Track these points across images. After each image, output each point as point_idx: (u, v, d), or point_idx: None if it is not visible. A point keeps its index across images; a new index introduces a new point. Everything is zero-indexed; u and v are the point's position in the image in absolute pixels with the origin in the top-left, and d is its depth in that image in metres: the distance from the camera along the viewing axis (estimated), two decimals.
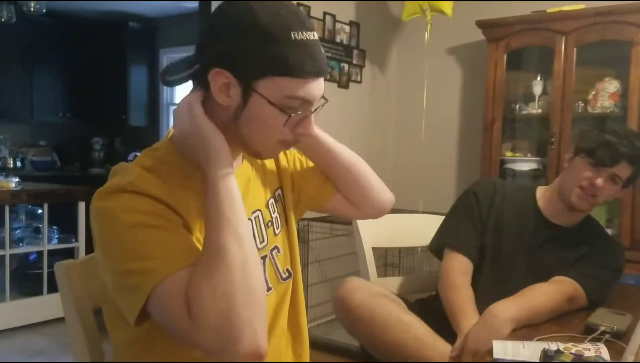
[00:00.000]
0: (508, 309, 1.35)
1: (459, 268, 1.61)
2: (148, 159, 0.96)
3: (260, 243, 1.05)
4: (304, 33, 0.89)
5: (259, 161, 1.12)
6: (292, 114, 0.92)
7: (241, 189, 0.99)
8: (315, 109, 0.96)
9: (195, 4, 4.52)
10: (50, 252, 3.54)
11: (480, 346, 1.28)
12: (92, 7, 5.26)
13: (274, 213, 1.11)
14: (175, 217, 0.89)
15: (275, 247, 1.09)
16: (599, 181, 1.51)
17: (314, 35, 0.92)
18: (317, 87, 0.93)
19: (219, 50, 0.91)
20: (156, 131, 5.78)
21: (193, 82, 0.98)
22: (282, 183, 1.17)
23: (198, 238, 0.92)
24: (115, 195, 0.87)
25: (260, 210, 1.07)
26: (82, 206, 3.63)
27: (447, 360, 1.35)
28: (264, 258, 1.06)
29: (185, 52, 5.63)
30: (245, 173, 1.07)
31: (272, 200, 1.12)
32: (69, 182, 4.35)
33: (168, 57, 5.76)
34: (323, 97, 0.97)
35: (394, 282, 2.01)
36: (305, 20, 0.92)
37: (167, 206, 0.88)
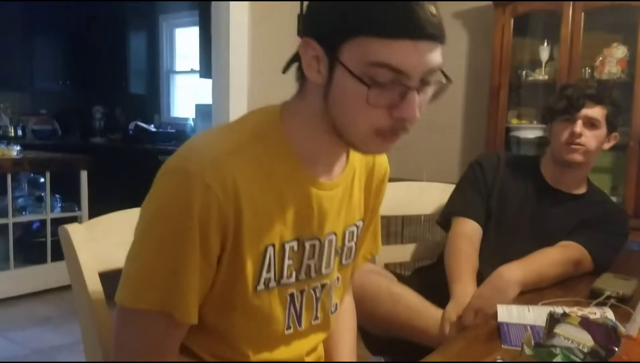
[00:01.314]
0: (516, 272, 1.36)
1: (464, 232, 1.62)
2: (234, 137, 0.85)
3: (326, 268, 0.95)
4: None
5: (355, 179, 0.98)
6: (375, 87, 0.75)
7: (332, 205, 0.92)
8: (423, 87, 0.78)
9: None
10: (53, 221, 3.55)
11: (484, 305, 1.29)
12: None
13: (349, 241, 0.99)
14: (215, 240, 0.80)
15: (338, 278, 1.00)
16: (577, 128, 1.55)
17: None
18: (420, 54, 0.75)
19: (308, 16, 0.81)
20: (156, 100, 5.74)
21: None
22: (365, 216, 1.05)
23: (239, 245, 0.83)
24: (177, 178, 0.79)
25: (335, 234, 0.95)
26: (84, 174, 3.63)
27: (438, 325, 1.35)
28: (323, 285, 0.97)
29: (185, 17, 5.58)
30: (340, 186, 0.94)
31: (353, 228, 0.99)
32: (69, 151, 4.34)
33: (167, 23, 5.68)
34: (444, 75, 0.80)
35: (396, 250, 2.01)
36: None
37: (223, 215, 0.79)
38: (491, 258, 1.55)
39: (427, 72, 0.78)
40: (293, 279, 0.91)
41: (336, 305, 1.03)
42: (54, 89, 5.53)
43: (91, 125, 5.71)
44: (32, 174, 3.69)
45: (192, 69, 5.58)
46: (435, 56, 0.77)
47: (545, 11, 3.03)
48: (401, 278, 1.68)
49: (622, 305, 1.23)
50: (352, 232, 1.00)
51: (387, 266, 1.89)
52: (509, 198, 1.67)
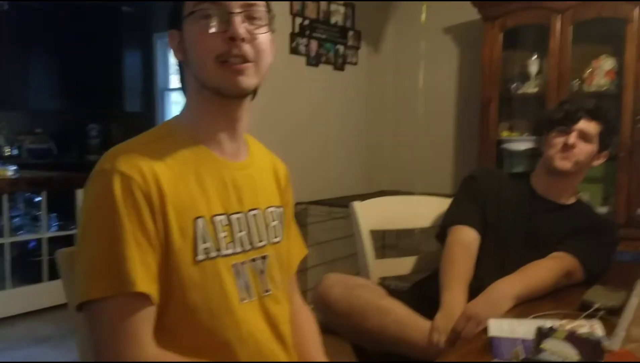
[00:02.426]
0: (512, 287, 1.40)
1: (461, 240, 1.65)
2: (140, 137, 1.00)
3: (260, 242, 1.05)
4: None
5: (263, 167, 1.13)
6: (210, 14, 0.93)
7: (245, 182, 1.04)
8: (249, 19, 0.96)
9: None
10: (49, 240, 3.55)
11: (477, 313, 1.31)
12: None
13: (273, 221, 1.10)
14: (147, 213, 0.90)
15: (272, 254, 1.09)
16: (571, 139, 1.62)
17: None
18: None
19: (168, 17, 1.03)
20: (152, 117, 5.76)
21: None
22: (287, 215, 1.17)
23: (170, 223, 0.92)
24: (96, 178, 0.91)
25: (259, 209, 1.07)
26: (80, 193, 3.63)
27: (427, 336, 1.37)
28: (264, 257, 1.05)
29: None
30: (249, 168, 1.07)
31: (273, 209, 1.11)
32: (66, 169, 4.35)
33: (162, 41, 5.72)
34: (268, 8, 0.99)
35: (392, 264, 2.03)
36: None
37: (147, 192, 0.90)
38: (490, 266, 1.59)
39: (247, 5, 0.96)
40: (231, 250, 0.99)
41: (281, 280, 1.10)
42: (49, 108, 5.54)
43: (87, 143, 5.72)
44: (28, 194, 3.70)
45: None
46: None
47: (534, 25, 3.07)
48: (397, 293, 1.69)
49: (611, 317, 1.24)
50: (273, 212, 1.10)
51: (384, 279, 1.92)
52: (503, 208, 1.71)
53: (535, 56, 3.13)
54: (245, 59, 0.95)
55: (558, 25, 2.92)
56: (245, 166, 1.07)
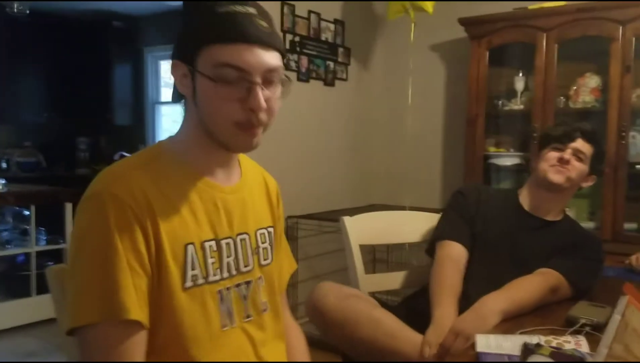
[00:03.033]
0: (499, 302, 1.42)
1: (450, 255, 1.67)
2: (134, 159, 0.99)
3: (245, 266, 1.05)
4: (232, 6, 0.92)
5: (254, 188, 1.13)
6: (223, 84, 0.91)
7: (235, 207, 1.04)
8: (266, 83, 0.94)
9: (179, 3, 4.53)
10: (38, 254, 3.53)
11: (465, 328, 1.33)
12: (75, 6, 5.22)
13: (262, 243, 1.11)
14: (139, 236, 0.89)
15: (260, 277, 1.09)
16: (566, 155, 1.68)
17: (249, 10, 0.93)
18: (255, 55, 0.92)
19: (175, 43, 0.98)
20: (142, 130, 5.77)
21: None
22: (276, 228, 1.18)
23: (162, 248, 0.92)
24: (90, 201, 0.90)
25: (247, 234, 1.07)
26: (69, 207, 3.63)
27: (417, 349, 1.39)
28: (248, 283, 1.06)
29: (169, 50, 5.60)
30: (241, 192, 1.08)
31: (263, 231, 1.12)
32: (54, 183, 4.34)
33: (152, 55, 5.74)
34: (286, 76, 0.97)
35: (382, 278, 2.05)
36: None
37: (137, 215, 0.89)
38: (477, 281, 1.61)
39: (267, 72, 0.94)
40: (218, 276, 0.99)
41: (265, 303, 1.10)
42: (38, 121, 5.53)
43: (76, 156, 5.71)
44: (17, 208, 3.68)
45: None
46: (271, 57, 0.94)
47: (520, 43, 3.12)
48: (388, 307, 1.71)
49: (596, 332, 1.26)
50: (264, 234, 1.11)
51: (374, 294, 1.93)
52: (491, 224, 1.73)
53: (521, 74, 3.18)
54: (260, 124, 0.96)
55: (544, 43, 2.97)
56: (237, 190, 1.07)
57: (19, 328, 3.35)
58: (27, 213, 3.59)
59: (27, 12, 4.32)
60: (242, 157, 1.15)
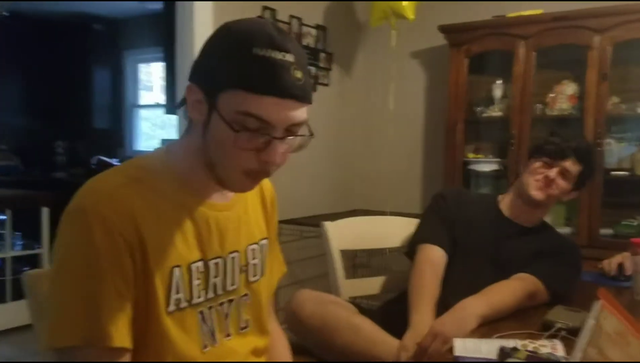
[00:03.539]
0: (478, 306, 1.43)
1: (429, 258, 1.68)
2: (126, 172, 0.93)
3: (231, 285, 1.03)
4: (271, 51, 0.84)
5: (248, 200, 1.09)
6: (243, 133, 0.85)
7: (229, 224, 1.01)
8: (287, 137, 0.89)
9: (159, 5, 4.50)
10: (14, 259, 3.47)
11: (444, 331, 1.33)
12: (55, 8, 5.17)
13: (253, 259, 1.07)
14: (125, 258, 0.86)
15: (246, 295, 1.07)
16: (552, 173, 1.66)
17: (287, 57, 0.85)
18: (282, 110, 0.86)
19: (195, 65, 0.92)
20: (120, 134, 5.72)
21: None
22: (270, 235, 1.16)
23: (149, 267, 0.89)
24: (75, 217, 0.86)
25: (238, 252, 1.04)
26: (46, 211, 3.57)
27: (395, 354, 1.39)
28: (230, 301, 1.03)
29: (148, 53, 5.62)
30: (235, 207, 1.04)
31: (255, 246, 1.09)
32: (31, 186, 4.28)
33: (132, 58, 5.70)
34: (310, 132, 0.91)
35: (363, 283, 2.05)
36: (280, 42, 0.85)
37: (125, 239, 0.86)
38: (457, 285, 1.62)
39: (291, 125, 0.89)
40: (202, 298, 0.97)
41: (247, 321, 1.08)
42: (15, 124, 5.44)
43: (53, 160, 5.64)
44: None
45: (157, 103, 5.61)
46: (299, 113, 0.88)
47: (499, 51, 3.17)
48: (368, 312, 1.71)
49: (572, 337, 1.28)
50: (255, 250, 1.08)
51: (354, 299, 1.93)
52: (470, 229, 1.75)
53: (500, 81, 3.22)
54: (268, 175, 0.94)
55: (522, 51, 3.02)
56: (232, 205, 1.03)
57: None
58: (3, 217, 3.53)
59: (7, 14, 4.26)
60: None
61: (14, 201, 3.56)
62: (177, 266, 0.92)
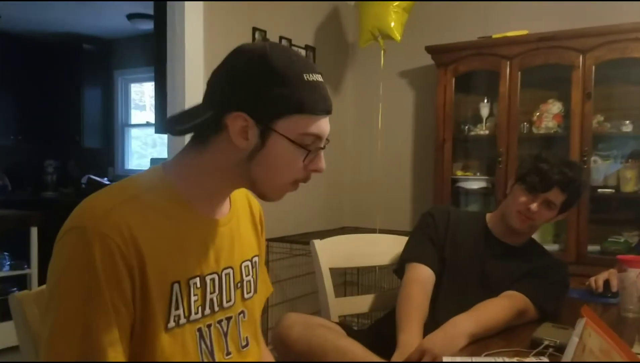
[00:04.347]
0: (467, 324, 1.43)
1: (417, 278, 1.68)
2: (123, 189, 0.95)
3: (227, 302, 1.04)
4: (314, 75, 0.96)
5: (240, 217, 1.12)
6: (310, 150, 0.97)
7: (224, 240, 1.03)
8: (324, 146, 1.01)
9: (149, 26, 4.54)
10: (1, 279, 3.44)
11: (433, 348, 1.33)
12: (46, 29, 5.19)
13: (246, 276, 1.10)
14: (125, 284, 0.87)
15: (242, 312, 1.08)
16: (534, 206, 1.65)
17: (321, 78, 0.99)
18: (327, 123, 1.00)
19: (236, 94, 0.94)
20: (111, 153, 5.71)
21: (197, 130, 1.00)
22: (260, 253, 1.19)
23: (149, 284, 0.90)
24: (74, 235, 0.86)
25: (232, 268, 1.06)
26: (34, 231, 3.55)
27: None
28: (229, 319, 1.04)
29: (139, 73, 5.64)
30: (230, 224, 1.07)
31: (247, 263, 1.11)
32: (20, 206, 4.25)
33: (123, 78, 5.72)
34: (327, 140, 1.02)
35: (352, 302, 2.06)
36: (313, 65, 1.00)
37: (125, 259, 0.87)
38: (445, 304, 1.63)
39: (327, 138, 1.02)
40: (200, 315, 0.98)
41: (247, 339, 1.09)
42: (4, 144, 5.42)
43: (43, 179, 5.61)
44: None
45: (147, 122, 5.61)
46: (328, 122, 1.01)
47: (485, 70, 3.21)
48: (357, 332, 1.72)
49: (559, 353, 1.29)
50: (248, 267, 1.11)
51: (344, 317, 1.93)
52: (460, 247, 1.75)
53: (486, 100, 3.27)
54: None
55: (507, 71, 3.07)
56: (227, 221, 1.06)
57: None
58: None
59: None
60: None
61: (2, 221, 3.54)
62: (177, 282, 0.93)
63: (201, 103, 1.00)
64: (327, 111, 0.98)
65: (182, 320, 0.94)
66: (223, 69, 0.98)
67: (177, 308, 0.93)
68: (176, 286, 0.93)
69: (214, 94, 0.98)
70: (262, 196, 1.02)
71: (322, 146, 1.00)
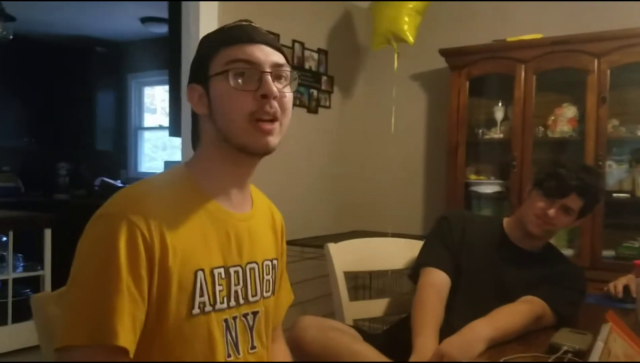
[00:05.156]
0: (485, 329, 1.42)
1: (432, 282, 1.67)
2: (150, 182, 1.01)
3: (253, 296, 1.06)
4: (238, 23, 1.02)
5: (261, 220, 1.13)
6: (242, 73, 0.96)
7: (245, 235, 1.05)
8: (276, 79, 0.99)
9: (163, 29, 4.56)
10: (15, 280, 3.46)
11: (451, 352, 1.33)
12: (58, 31, 5.23)
13: (267, 274, 1.11)
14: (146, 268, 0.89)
15: (263, 308, 1.10)
16: (551, 212, 1.64)
17: (251, 24, 1.02)
18: (261, 51, 0.98)
19: (190, 75, 1.04)
20: (123, 156, 5.75)
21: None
22: (280, 259, 1.20)
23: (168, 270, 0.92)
24: (102, 221, 0.91)
25: (256, 264, 1.08)
26: (48, 233, 3.57)
27: None
28: (255, 313, 1.06)
29: (152, 76, 5.67)
30: (251, 220, 1.09)
31: (268, 262, 1.12)
32: (33, 208, 4.27)
33: (136, 81, 5.75)
34: (295, 72, 1.03)
35: (366, 306, 2.05)
36: (240, 21, 1.03)
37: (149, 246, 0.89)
38: (461, 310, 1.61)
39: (275, 66, 1.00)
40: (225, 305, 1.00)
41: (267, 335, 1.11)
42: (18, 146, 5.46)
43: (56, 181, 5.65)
44: None
45: (160, 125, 5.64)
46: (277, 56, 1.01)
47: (499, 74, 3.20)
48: (372, 337, 1.71)
49: (578, 359, 1.28)
50: (269, 266, 1.12)
51: (356, 322, 1.93)
52: (476, 253, 1.74)
53: (500, 103, 3.25)
54: (274, 117, 0.98)
55: (522, 74, 3.05)
56: (248, 218, 1.08)
57: None
58: (4, 239, 3.52)
59: (11, 37, 4.30)
60: (253, 188, 1.16)
61: (15, 222, 3.56)
62: (200, 269, 0.95)
63: None
64: (252, 40, 0.99)
65: (208, 308, 0.96)
66: None
67: (201, 295, 0.95)
68: (200, 273, 0.95)
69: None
70: (242, 147, 0.99)
71: (264, 69, 0.97)
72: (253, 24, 1.03)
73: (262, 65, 0.98)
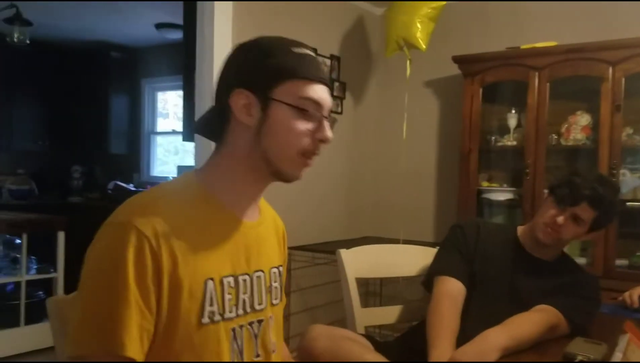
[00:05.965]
0: (501, 338, 1.41)
1: (447, 291, 1.66)
2: (160, 189, 1.01)
3: (259, 305, 1.06)
4: (304, 49, 1.02)
5: (267, 228, 1.14)
6: (311, 114, 0.99)
7: (254, 243, 1.06)
8: (328, 118, 1.03)
9: (178, 35, 4.59)
10: (28, 283, 3.49)
11: (466, 360, 1.33)
12: (74, 36, 5.29)
13: (274, 282, 1.12)
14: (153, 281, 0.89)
15: (271, 316, 1.10)
16: (560, 219, 1.63)
17: (314, 53, 1.03)
18: (325, 92, 1.02)
19: (234, 75, 1.02)
20: (136, 159, 5.78)
21: (210, 126, 1.06)
22: (283, 264, 1.21)
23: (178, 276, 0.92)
24: (112, 229, 0.92)
25: (263, 272, 1.08)
26: (61, 235, 3.61)
27: None
28: (260, 321, 1.06)
29: (166, 81, 5.71)
30: (259, 228, 1.09)
31: (275, 270, 1.13)
32: (47, 211, 4.32)
33: (149, 86, 5.79)
34: (333, 114, 1.05)
35: (378, 312, 2.05)
36: (302, 42, 1.04)
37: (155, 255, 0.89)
38: (476, 319, 1.60)
39: (329, 109, 1.04)
40: (234, 314, 1.00)
41: (274, 344, 1.10)
42: (33, 149, 5.53)
43: (69, 184, 5.69)
44: (8, 236, 3.65)
45: (173, 130, 5.68)
46: (330, 100, 1.05)
47: (512, 81, 3.19)
48: (384, 345, 1.70)
49: None
50: (275, 273, 1.13)
51: (368, 328, 1.92)
52: (490, 261, 1.73)
53: (514, 111, 3.24)
54: (318, 154, 1.04)
55: (536, 82, 3.04)
56: (257, 226, 1.09)
57: (7, 359, 3.29)
58: (18, 241, 3.56)
59: (27, 42, 4.36)
60: None
61: (29, 224, 3.59)
62: (210, 279, 0.96)
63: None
64: (322, 80, 1.02)
65: (217, 317, 0.96)
66: (225, 64, 1.06)
67: (211, 305, 0.95)
68: (210, 283, 0.95)
69: (218, 89, 1.05)
70: (278, 173, 1.02)
71: (324, 114, 1.01)
72: (317, 57, 1.05)
73: (325, 109, 1.02)
